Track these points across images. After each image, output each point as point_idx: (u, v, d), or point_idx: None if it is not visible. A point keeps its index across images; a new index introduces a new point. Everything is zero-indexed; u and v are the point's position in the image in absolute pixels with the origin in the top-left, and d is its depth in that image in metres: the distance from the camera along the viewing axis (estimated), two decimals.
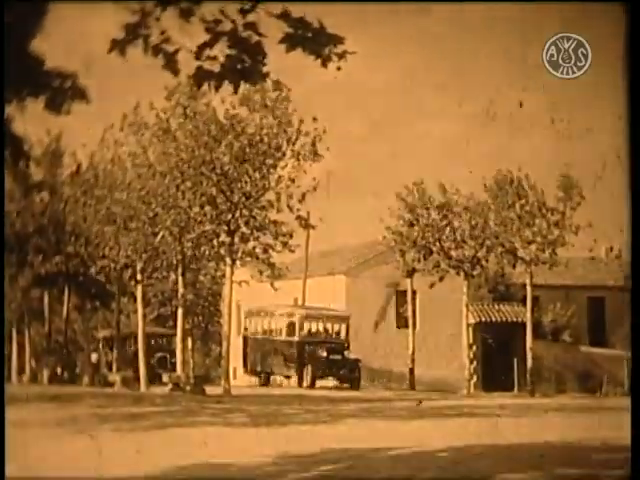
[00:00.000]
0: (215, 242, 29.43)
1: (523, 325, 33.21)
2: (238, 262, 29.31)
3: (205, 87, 8.42)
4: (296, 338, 34.56)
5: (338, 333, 35.14)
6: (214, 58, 8.05)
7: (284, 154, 28.80)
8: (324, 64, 7.94)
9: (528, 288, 32.97)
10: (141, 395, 27.31)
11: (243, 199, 28.81)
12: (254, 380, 37.07)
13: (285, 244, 29.35)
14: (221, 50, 8.05)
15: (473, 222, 33.85)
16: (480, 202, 33.99)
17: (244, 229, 29.04)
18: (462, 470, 11.07)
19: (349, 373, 33.40)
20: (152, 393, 27.74)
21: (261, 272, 29.64)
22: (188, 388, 28.35)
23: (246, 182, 28.74)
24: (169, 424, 16.83)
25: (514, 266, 33.62)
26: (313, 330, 35.06)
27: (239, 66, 8.06)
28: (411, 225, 34.66)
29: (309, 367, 33.65)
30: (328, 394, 29.17)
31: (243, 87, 26.84)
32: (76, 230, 33.36)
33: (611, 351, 34.27)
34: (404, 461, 12.03)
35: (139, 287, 30.89)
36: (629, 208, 8.90)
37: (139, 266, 30.34)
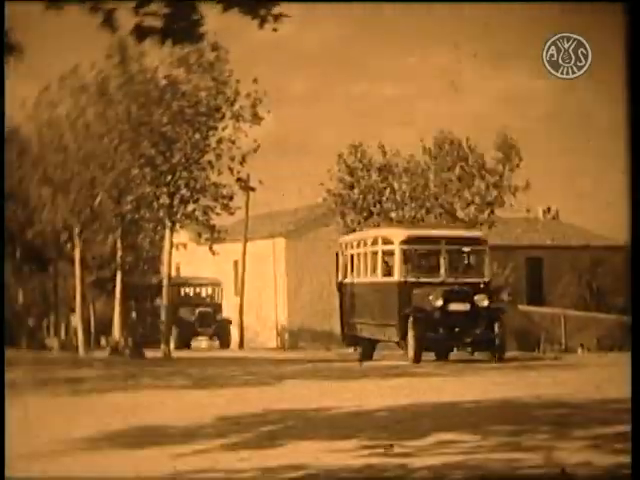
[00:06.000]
0: (155, 204, 29.19)
1: None
2: (178, 224, 29.13)
3: (142, 47, 8.36)
4: (395, 278, 22.12)
5: (468, 269, 22.75)
6: (154, 14, 7.95)
7: (223, 115, 28.64)
8: (261, 25, 7.94)
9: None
10: (80, 359, 27.11)
11: (183, 160, 28.61)
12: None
13: (225, 206, 29.22)
14: (158, 8, 7.96)
15: (413, 184, 33.99)
16: (420, 164, 34.15)
17: (184, 191, 28.86)
18: (401, 428, 11.15)
19: (484, 333, 21.05)
20: (91, 357, 27.54)
21: (200, 235, 29.52)
22: (127, 352, 28.21)
23: (185, 143, 28.54)
24: (108, 388, 16.73)
25: None
26: (432, 264, 22.67)
27: (175, 26, 7.97)
28: (351, 187, 34.71)
29: (414, 326, 21.04)
30: (268, 355, 29.22)
31: (180, 49, 26.11)
32: (12, 193, 32.83)
33: (549, 309, 34.75)
34: (344, 420, 12.09)
35: (77, 250, 30.55)
36: (630, 200, 8.98)
37: (77, 229, 29.99)
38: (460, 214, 33.41)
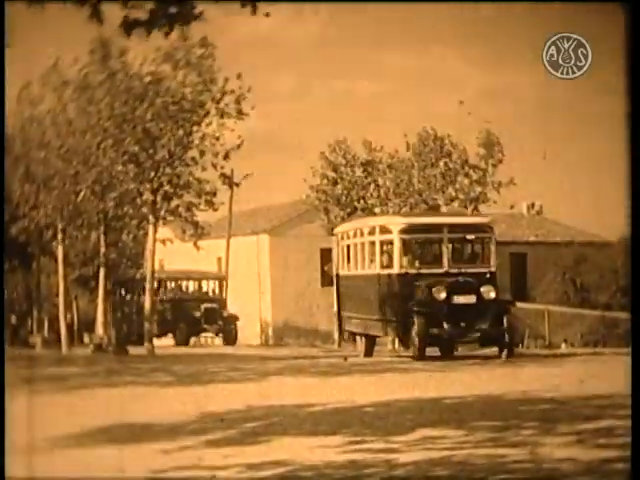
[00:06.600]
0: (138, 201, 29.08)
1: None
2: (161, 221, 29.04)
3: (127, 43, 8.33)
4: (395, 270, 20.78)
5: (473, 258, 21.40)
6: (141, 7, 7.91)
7: (208, 112, 28.54)
8: (253, 11, 7.92)
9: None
10: (63, 356, 27.01)
11: (167, 157, 28.50)
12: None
13: (209, 202, 29.13)
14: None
15: (397, 180, 34.01)
16: (404, 160, 34.18)
17: (167, 187, 28.75)
18: (385, 424, 11.13)
19: (492, 328, 19.65)
20: (74, 354, 27.44)
21: (184, 231, 29.44)
22: (111, 349, 28.11)
23: (169, 140, 28.43)
24: (91, 384, 16.66)
25: None
26: (434, 254, 21.31)
27: (169, 11, 7.92)
28: (335, 183, 34.69)
29: (416, 321, 19.69)
30: (252, 352, 29.17)
31: (167, 44, 25.63)
32: None
33: (532, 305, 34.78)
34: (329, 416, 12.07)
35: (60, 247, 30.43)
36: (629, 197, 8.99)
37: (60, 225, 29.87)
38: (444, 210, 33.46)
